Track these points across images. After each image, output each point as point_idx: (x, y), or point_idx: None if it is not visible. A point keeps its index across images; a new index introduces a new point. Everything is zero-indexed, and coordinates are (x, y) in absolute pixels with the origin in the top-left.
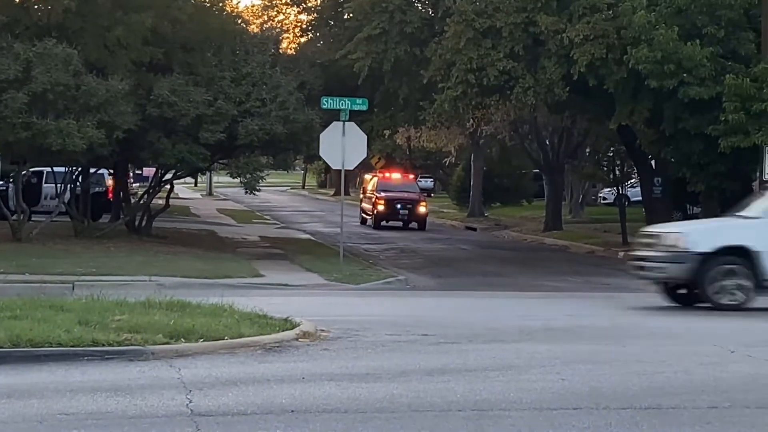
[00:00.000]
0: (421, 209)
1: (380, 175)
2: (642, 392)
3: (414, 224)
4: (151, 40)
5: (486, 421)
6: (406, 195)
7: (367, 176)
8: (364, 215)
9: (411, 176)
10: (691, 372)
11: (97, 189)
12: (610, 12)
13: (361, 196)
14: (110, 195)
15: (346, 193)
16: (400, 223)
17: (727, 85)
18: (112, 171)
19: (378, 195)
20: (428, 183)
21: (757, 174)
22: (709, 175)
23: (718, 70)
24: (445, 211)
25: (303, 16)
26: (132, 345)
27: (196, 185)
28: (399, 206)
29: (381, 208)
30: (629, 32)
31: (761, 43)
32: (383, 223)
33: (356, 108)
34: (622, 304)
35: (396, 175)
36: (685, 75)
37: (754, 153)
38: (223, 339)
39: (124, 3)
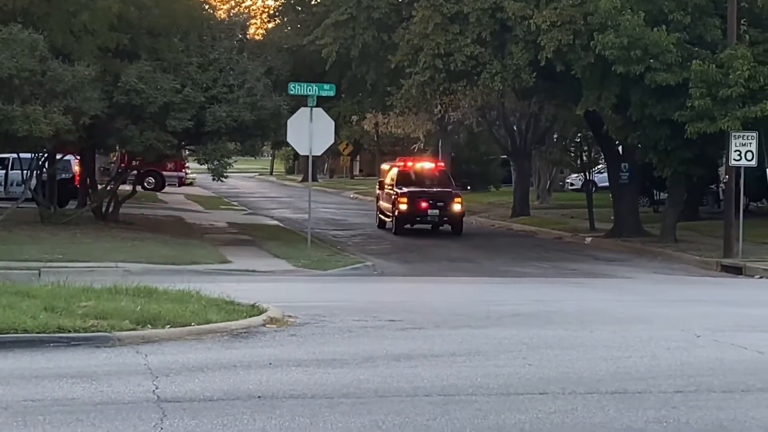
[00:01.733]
0: (456, 207)
1: (401, 164)
2: (608, 377)
3: (447, 227)
4: (117, 25)
5: (453, 406)
6: (435, 190)
7: (385, 166)
8: (383, 216)
9: (440, 164)
10: (658, 357)
11: (63, 175)
12: None
13: (378, 191)
14: (77, 181)
15: (314, 179)
16: (428, 227)
17: (694, 71)
18: (78, 157)
19: (399, 190)
20: None
21: (723, 159)
22: (676, 160)
23: (685, 56)
24: None
25: (270, 2)
26: (98, 331)
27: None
28: (427, 204)
29: (404, 207)
30: (596, 18)
31: (727, 29)
32: (408, 226)
33: (324, 94)
34: (590, 289)
35: (421, 164)
36: (651, 61)
37: (720, 138)
38: (190, 325)
39: None
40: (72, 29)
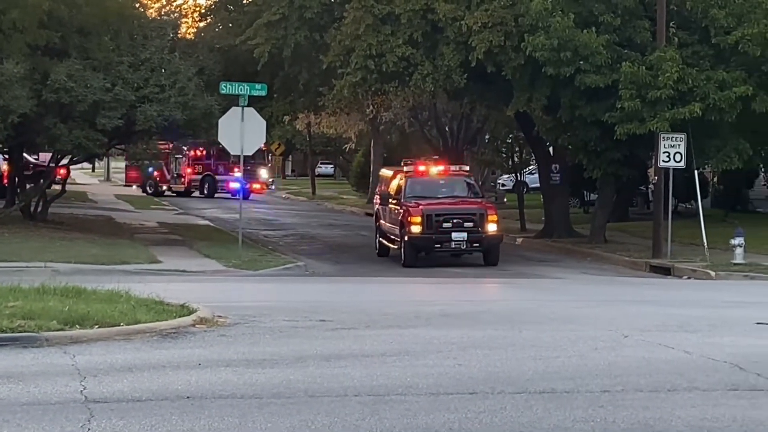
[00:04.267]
0: (491, 227)
1: (410, 168)
2: (537, 376)
3: (478, 254)
4: (47, 23)
5: (382, 406)
6: (460, 204)
7: (386, 171)
8: (385, 241)
9: (464, 169)
10: (586, 356)
11: None
12: None
13: (377, 205)
14: (5, 180)
15: None
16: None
17: (623, 72)
18: (6, 156)
19: (410, 205)
20: (329, 169)
21: (653, 161)
22: (606, 161)
23: (614, 58)
24: (344, 197)
25: (202, 1)
26: (25, 332)
27: (93, 171)
28: (450, 225)
29: (416, 229)
30: (526, 19)
31: (656, 32)
32: (422, 254)
33: (255, 93)
34: (519, 289)
35: (438, 170)
36: (581, 62)
37: (649, 140)
38: (119, 325)
39: None
40: (1, 26)
